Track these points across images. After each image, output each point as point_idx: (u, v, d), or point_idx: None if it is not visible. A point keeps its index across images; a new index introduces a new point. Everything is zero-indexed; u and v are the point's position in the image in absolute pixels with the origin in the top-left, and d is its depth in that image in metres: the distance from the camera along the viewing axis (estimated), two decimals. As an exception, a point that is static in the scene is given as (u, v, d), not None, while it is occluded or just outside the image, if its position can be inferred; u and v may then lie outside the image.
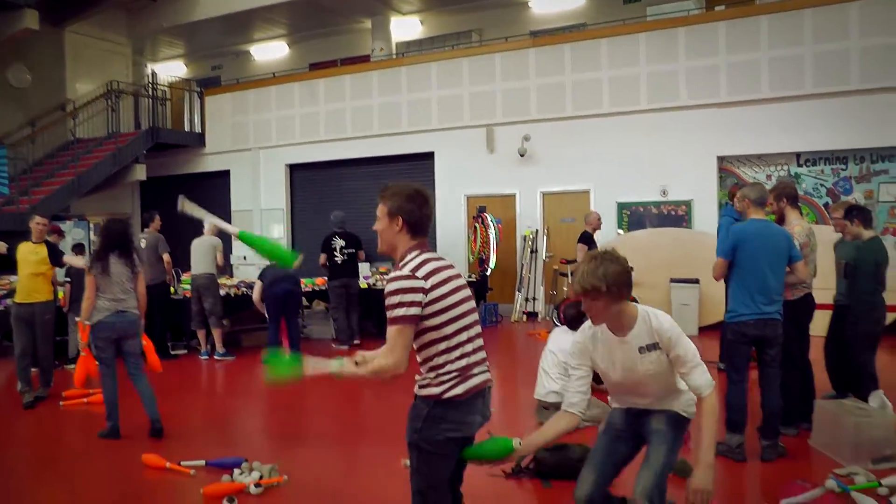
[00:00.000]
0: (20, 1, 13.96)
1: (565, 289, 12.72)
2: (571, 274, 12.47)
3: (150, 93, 17.18)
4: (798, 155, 11.96)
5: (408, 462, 3.09)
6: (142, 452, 5.58)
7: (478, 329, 3.09)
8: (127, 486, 5.17)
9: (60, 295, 8.96)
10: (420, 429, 2.96)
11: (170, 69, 20.50)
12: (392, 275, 2.93)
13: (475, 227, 13.24)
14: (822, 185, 11.82)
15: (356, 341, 10.63)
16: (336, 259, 10.58)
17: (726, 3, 13.74)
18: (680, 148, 12.43)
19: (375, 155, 15.33)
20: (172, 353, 10.26)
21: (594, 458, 3.60)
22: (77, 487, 5.22)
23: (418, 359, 2.99)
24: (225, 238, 11.00)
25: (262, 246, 3.78)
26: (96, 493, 5.08)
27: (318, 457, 5.73)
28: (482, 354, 3.09)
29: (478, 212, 13.33)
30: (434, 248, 11.45)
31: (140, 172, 16.53)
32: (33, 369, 7.83)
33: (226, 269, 10.90)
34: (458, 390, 2.93)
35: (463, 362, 2.96)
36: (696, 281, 11.02)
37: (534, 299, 13.47)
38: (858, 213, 6.38)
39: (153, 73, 18.05)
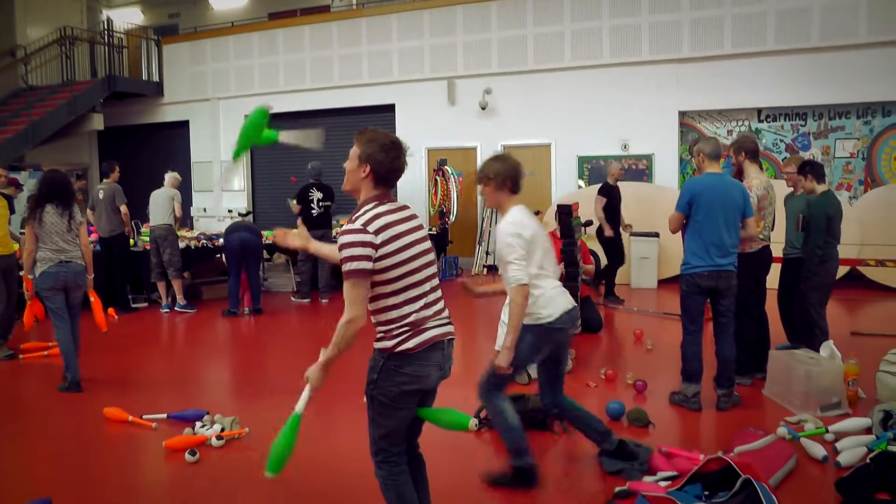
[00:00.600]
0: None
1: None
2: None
3: (106, 40, 16.72)
4: (759, 111, 12.09)
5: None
6: (104, 406, 5.56)
7: (435, 282, 3.09)
8: (89, 439, 5.16)
9: (15, 247, 8.83)
10: (376, 380, 2.99)
11: (126, 16, 19.93)
12: (345, 227, 2.91)
13: (436, 181, 13.21)
14: (781, 140, 11.97)
15: (324, 300, 10.51)
16: (312, 211, 10.26)
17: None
18: (641, 102, 12.47)
19: (336, 107, 15.15)
20: (133, 305, 10.18)
21: None
22: (37, 442, 5.20)
23: (370, 312, 2.98)
24: (184, 189, 10.88)
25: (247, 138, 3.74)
26: (57, 446, 5.06)
27: (280, 409, 5.75)
28: (439, 307, 3.09)
29: (438, 165, 13.30)
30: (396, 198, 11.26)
31: (97, 122, 16.15)
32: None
33: (185, 220, 10.77)
34: (410, 344, 2.94)
35: (414, 317, 2.95)
36: (656, 235, 11.15)
37: (494, 252, 13.52)
38: (812, 169, 6.48)
39: (109, 20, 17.55)
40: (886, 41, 10.94)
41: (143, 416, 5.37)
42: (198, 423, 5.14)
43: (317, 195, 10.24)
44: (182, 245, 10.22)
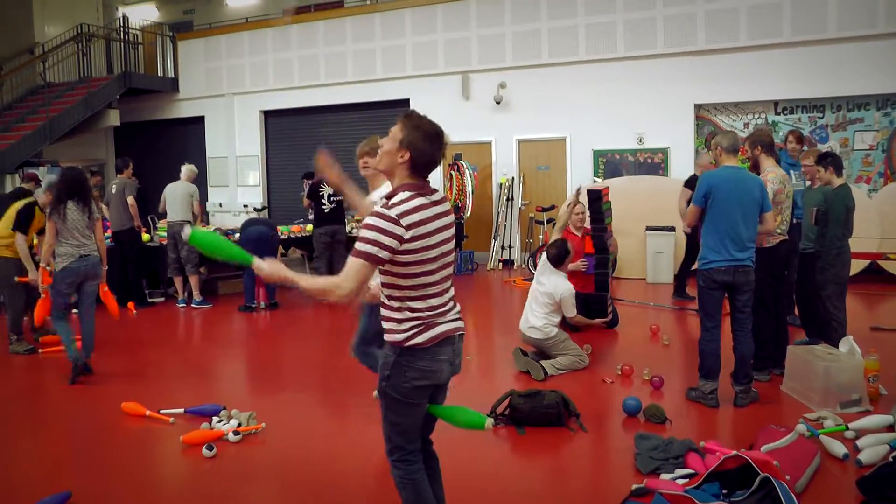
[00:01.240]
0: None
1: (541, 236, 12.77)
2: (548, 221, 12.54)
3: (122, 37, 16.80)
4: (776, 103, 11.99)
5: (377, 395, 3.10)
6: (121, 400, 5.60)
7: (449, 277, 3.04)
8: (107, 433, 5.19)
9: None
10: (388, 376, 2.95)
11: (141, 13, 20.02)
12: (378, 210, 2.81)
13: (451, 175, 13.20)
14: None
15: None
16: (324, 207, 10.16)
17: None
18: (657, 96, 12.40)
19: (350, 102, 15.17)
20: (150, 300, 10.24)
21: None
22: (56, 436, 5.24)
23: (384, 300, 2.95)
24: (199, 185, 10.92)
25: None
26: (76, 440, 5.11)
27: (296, 404, 5.78)
28: (451, 303, 3.05)
29: (453, 159, 13.27)
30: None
31: (114, 118, 16.25)
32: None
33: (202, 215, 10.81)
34: (421, 339, 2.90)
35: (427, 311, 2.92)
36: (672, 229, 11.09)
37: (510, 247, 13.51)
38: (832, 160, 6.43)
39: (124, 17, 17.62)
40: (905, 32, 10.83)
41: (161, 411, 5.39)
42: (215, 418, 5.16)
43: (328, 190, 10.20)
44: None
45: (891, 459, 4.04)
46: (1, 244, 7.58)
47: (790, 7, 11.38)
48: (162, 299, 10.45)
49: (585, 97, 12.89)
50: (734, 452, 3.87)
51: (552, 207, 12.63)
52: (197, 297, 9.93)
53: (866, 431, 4.63)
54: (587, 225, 8.16)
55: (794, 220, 6.54)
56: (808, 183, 7.03)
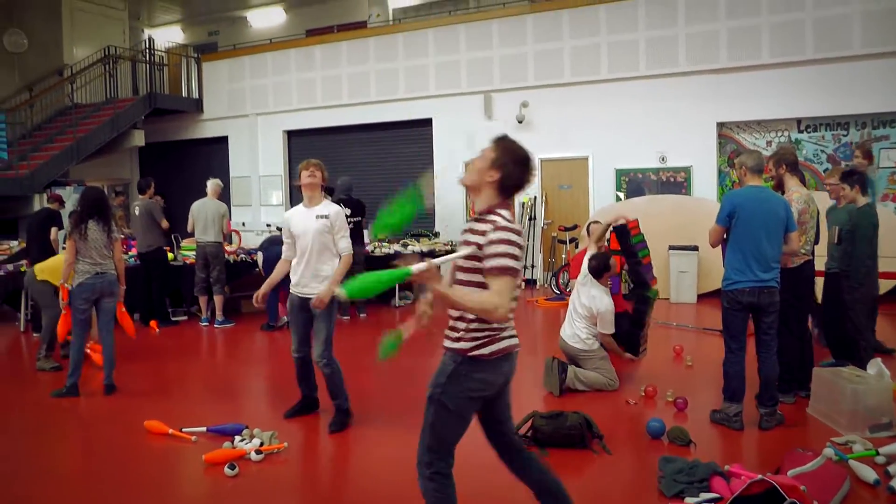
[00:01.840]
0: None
1: (564, 256, 12.73)
2: (570, 241, 12.51)
3: (148, 58, 17.03)
4: (799, 121, 11.92)
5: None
6: (144, 418, 5.63)
7: (517, 294, 3.16)
8: (130, 451, 5.21)
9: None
10: (444, 384, 3.01)
11: (166, 35, 20.32)
12: (502, 224, 2.94)
13: (474, 194, 13.19)
14: (822, 151, 11.78)
15: (362, 315, 10.49)
16: None
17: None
18: (679, 114, 12.37)
19: (373, 122, 15.25)
20: (173, 319, 10.30)
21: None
22: (78, 453, 5.27)
23: (454, 311, 3.04)
24: (225, 201, 10.99)
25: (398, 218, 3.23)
26: (98, 458, 5.13)
27: (318, 423, 5.78)
28: (512, 320, 3.12)
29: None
30: (433, 216, 11.44)
31: (138, 138, 16.48)
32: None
33: (230, 235, 10.87)
34: (485, 350, 2.99)
35: (496, 324, 3.01)
36: (695, 248, 11.03)
37: (532, 266, 13.48)
38: (858, 179, 6.38)
39: (150, 39, 17.88)
40: (930, 49, 10.75)
41: (183, 430, 5.41)
42: (237, 437, 5.18)
43: (345, 211, 10.21)
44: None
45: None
46: (45, 271, 7.89)
47: (812, 24, 11.33)
48: (185, 318, 10.51)
49: (607, 116, 12.88)
50: (760, 476, 3.81)
51: (574, 227, 12.60)
52: (220, 316, 9.98)
53: (898, 456, 4.55)
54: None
55: None
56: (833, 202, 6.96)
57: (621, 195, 12.79)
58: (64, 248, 9.50)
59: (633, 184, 12.82)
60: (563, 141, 13.26)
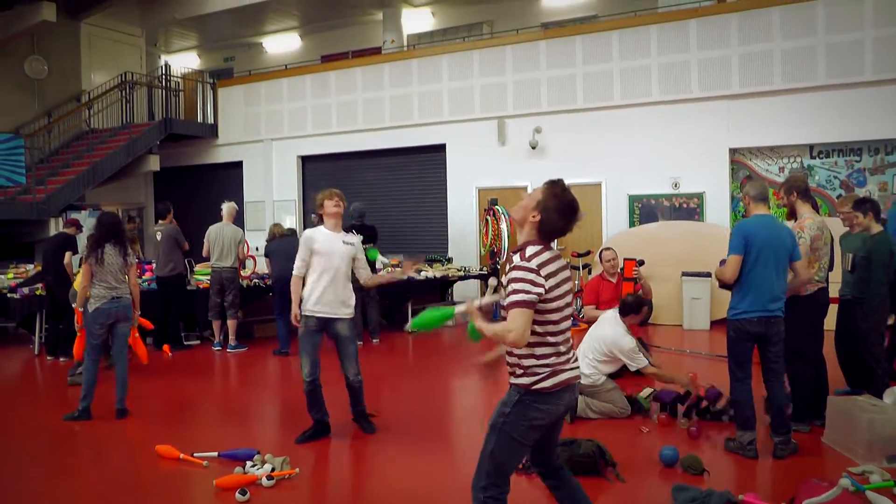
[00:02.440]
0: (38, -7, 14.08)
1: (577, 282, 12.71)
2: (583, 267, 12.49)
3: (164, 84, 17.23)
4: (811, 147, 11.89)
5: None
6: (156, 442, 5.64)
7: (570, 328, 3.30)
8: (141, 475, 5.22)
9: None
10: (508, 413, 3.16)
11: (183, 61, 20.58)
12: (518, 263, 3.12)
13: (486, 220, 13.22)
14: (835, 177, 11.75)
15: (375, 340, 10.44)
16: None
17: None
18: (692, 140, 12.38)
19: (387, 147, 15.34)
20: (186, 343, 10.33)
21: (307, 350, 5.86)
22: (89, 476, 5.27)
23: (516, 349, 3.17)
24: (239, 225, 11.03)
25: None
26: (109, 482, 5.13)
27: (330, 449, 5.77)
28: (572, 351, 3.29)
29: (489, 204, 13.30)
30: (446, 241, 11.45)
31: (153, 163, 16.64)
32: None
33: (245, 261, 10.91)
34: (547, 383, 3.13)
35: (554, 359, 3.16)
36: (708, 274, 10.98)
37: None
38: (873, 206, 6.36)
39: (166, 65, 18.09)
40: (943, 74, 10.74)
41: (195, 454, 5.41)
42: (248, 463, 5.17)
43: (358, 238, 10.22)
44: (236, 285, 10.35)
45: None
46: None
47: (825, 50, 11.34)
48: (198, 342, 10.53)
49: (620, 141, 12.90)
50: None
51: (587, 253, 12.59)
52: (233, 341, 10.00)
53: (917, 488, 4.49)
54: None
55: None
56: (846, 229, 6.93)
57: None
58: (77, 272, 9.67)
59: (646, 209, 12.81)
60: (576, 167, 13.26)
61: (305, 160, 16.73)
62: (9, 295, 10.04)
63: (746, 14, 11.94)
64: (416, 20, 17.62)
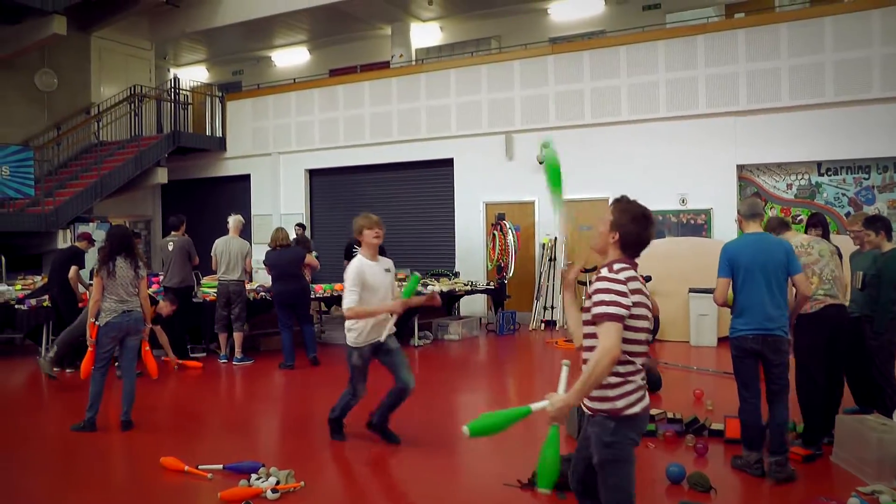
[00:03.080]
0: (49, 7, 14.17)
1: (583, 297, 12.66)
2: (590, 283, 12.45)
3: (173, 97, 17.34)
4: (819, 164, 11.88)
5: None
6: (161, 454, 5.62)
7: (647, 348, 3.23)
8: (146, 488, 5.20)
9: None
10: (611, 443, 3.07)
11: (192, 74, 20.70)
12: (606, 274, 3.09)
13: (494, 235, 13.23)
14: (843, 194, 11.73)
15: None
16: None
17: (746, 10, 13.67)
18: (699, 156, 12.38)
19: (394, 161, 15.39)
20: (192, 356, 10.32)
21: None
22: (94, 488, 5.26)
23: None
24: (246, 239, 11.04)
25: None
26: (114, 495, 5.12)
27: (335, 462, 5.75)
28: (641, 373, 3.19)
29: (497, 219, 13.32)
30: (453, 255, 11.44)
31: (162, 176, 16.70)
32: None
33: (251, 273, 10.91)
34: (637, 408, 3.08)
35: (640, 380, 3.10)
36: (716, 290, 10.93)
37: (552, 308, 13.42)
38: (884, 225, 6.33)
39: (175, 78, 18.20)
40: (953, 92, 10.73)
41: (199, 467, 5.39)
42: (253, 476, 5.15)
43: None
44: (243, 298, 10.36)
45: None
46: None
47: (833, 67, 11.35)
48: (204, 354, 10.52)
49: (628, 157, 12.91)
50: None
51: (594, 269, 12.50)
52: (238, 353, 9.99)
53: (926, 507, 4.44)
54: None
55: None
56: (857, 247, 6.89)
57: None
58: (83, 286, 9.70)
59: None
60: (583, 182, 13.25)
61: (313, 174, 16.78)
62: (16, 306, 10.08)
63: (754, 30, 11.96)
64: (425, 35, 17.69)
